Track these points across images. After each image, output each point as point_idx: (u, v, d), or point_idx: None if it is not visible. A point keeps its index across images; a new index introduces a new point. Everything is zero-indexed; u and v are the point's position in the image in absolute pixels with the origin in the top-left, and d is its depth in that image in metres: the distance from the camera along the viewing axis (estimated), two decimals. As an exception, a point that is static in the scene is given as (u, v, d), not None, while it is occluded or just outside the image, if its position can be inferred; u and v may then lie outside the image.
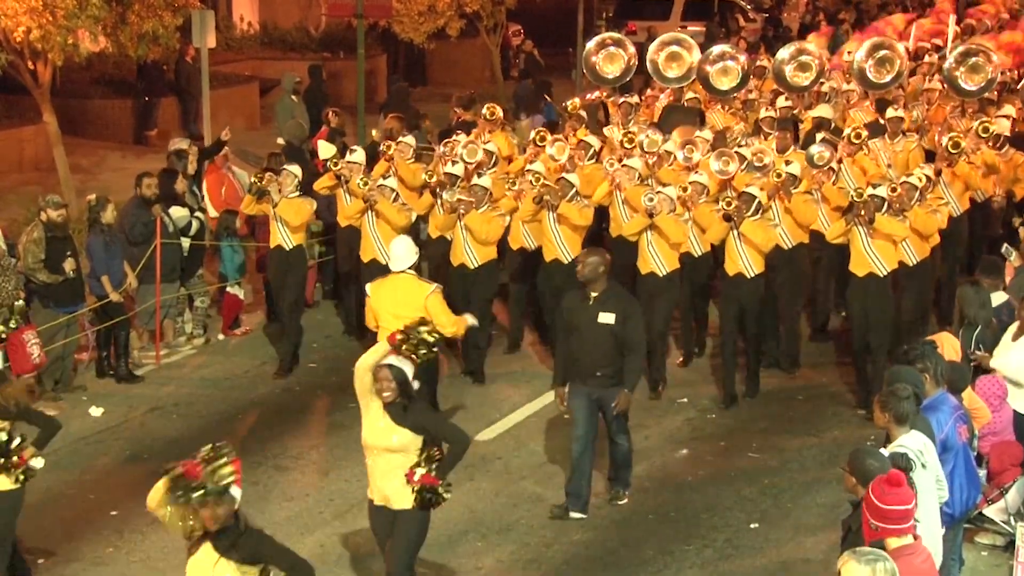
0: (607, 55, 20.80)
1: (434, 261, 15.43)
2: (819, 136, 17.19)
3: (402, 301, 11.83)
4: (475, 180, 14.87)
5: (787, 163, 15.08)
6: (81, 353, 15.15)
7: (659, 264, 14.12)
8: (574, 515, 11.44)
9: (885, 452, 8.29)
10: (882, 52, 20.42)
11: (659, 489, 12.39)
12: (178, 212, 15.71)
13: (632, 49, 20.90)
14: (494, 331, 15.93)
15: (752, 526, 11.61)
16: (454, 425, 9.17)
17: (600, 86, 21.01)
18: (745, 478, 12.56)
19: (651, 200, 13.93)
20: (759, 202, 13.95)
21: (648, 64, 20.75)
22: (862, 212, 13.43)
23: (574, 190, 14.69)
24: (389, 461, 9.02)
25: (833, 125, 18.46)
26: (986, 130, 16.53)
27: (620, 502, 11.77)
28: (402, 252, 12.06)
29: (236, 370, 15.11)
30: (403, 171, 15.97)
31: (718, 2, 38.01)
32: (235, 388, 14.75)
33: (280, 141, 21.58)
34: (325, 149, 16.48)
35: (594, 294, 11.28)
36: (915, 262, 14.15)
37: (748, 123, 18.78)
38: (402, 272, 12.03)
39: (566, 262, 14.34)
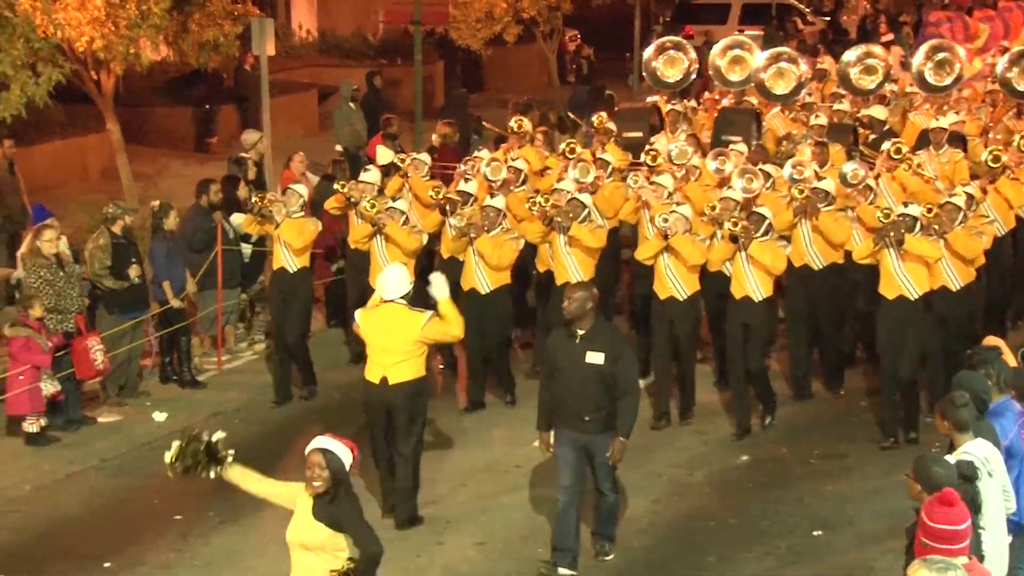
0: (667, 59, 20.59)
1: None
2: (871, 138, 16.95)
3: (393, 332, 11.08)
4: (488, 201, 14.26)
5: (819, 179, 14.51)
6: (145, 359, 15.30)
7: (679, 288, 13.49)
8: (563, 571, 10.54)
9: (951, 459, 8.21)
10: (941, 55, 20.12)
11: (719, 495, 12.36)
12: (239, 219, 15.80)
13: (693, 54, 20.77)
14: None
15: (815, 533, 11.53)
16: (372, 533, 7.78)
17: (659, 91, 20.91)
18: (807, 485, 12.50)
19: (665, 221, 13.33)
20: (769, 223, 13.27)
21: (710, 68, 20.65)
22: (890, 233, 12.78)
23: (586, 211, 14.02)
24: (304, 560, 7.76)
25: (888, 127, 18.22)
26: None
27: (606, 558, 10.85)
28: (395, 281, 11.18)
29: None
30: (418, 188, 15.57)
31: (776, 6, 37.85)
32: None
33: (338, 148, 21.72)
34: (383, 154, 16.53)
35: (580, 332, 10.27)
36: (959, 287, 13.41)
37: (809, 128, 18.45)
38: (392, 301, 11.15)
39: None
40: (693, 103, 20.59)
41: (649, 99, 21.35)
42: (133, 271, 14.35)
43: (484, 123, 20.66)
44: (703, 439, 13.55)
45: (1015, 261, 15.85)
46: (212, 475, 7.98)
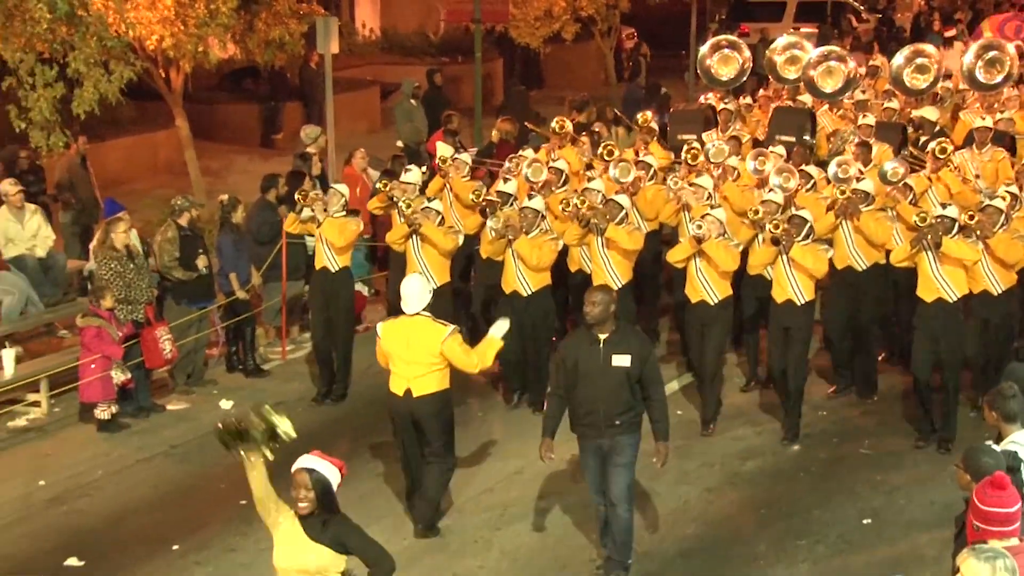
0: (722, 57, 20.43)
1: (486, 286, 14.56)
2: (922, 140, 16.66)
3: (415, 345, 10.67)
4: (526, 202, 13.83)
5: (859, 179, 14.13)
6: (211, 348, 15.44)
7: (710, 292, 12.97)
8: (618, 573, 10.34)
9: (998, 449, 8.18)
10: (992, 53, 19.76)
11: (771, 484, 12.33)
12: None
13: (747, 52, 20.61)
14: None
15: (865, 522, 11.49)
16: (380, 547, 7.38)
17: (713, 88, 20.82)
18: (857, 475, 12.43)
19: (699, 227, 12.83)
20: (810, 226, 12.87)
21: (766, 63, 20.50)
22: (927, 236, 12.39)
23: (623, 212, 13.55)
24: None
25: (938, 127, 17.87)
26: None
27: None
28: (415, 292, 10.74)
29: (359, 365, 14.86)
30: (459, 189, 15.35)
31: (831, 3, 37.61)
32: (358, 383, 14.66)
33: (399, 144, 21.80)
34: (443, 149, 16.55)
35: (603, 336, 9.76)
36: (1000, 291, 12.89)
37: (856, 127, 17.98)
38: (416, 314, 10.74)
39: (615, 288, 12.61)
40: (748, 100, 20.47)
41: (702, 98, 21.14)
42: (201, 262, 14.48)
43: (527, 124, 20.43)
44: (757, 430, 13.51)
45: None
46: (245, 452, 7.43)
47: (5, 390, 13.98)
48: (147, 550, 11.09)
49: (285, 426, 7.38)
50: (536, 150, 17.17)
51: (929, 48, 20.61)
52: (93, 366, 13.55)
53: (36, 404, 14.19)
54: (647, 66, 30.89)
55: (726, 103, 19.08)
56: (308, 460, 7.25)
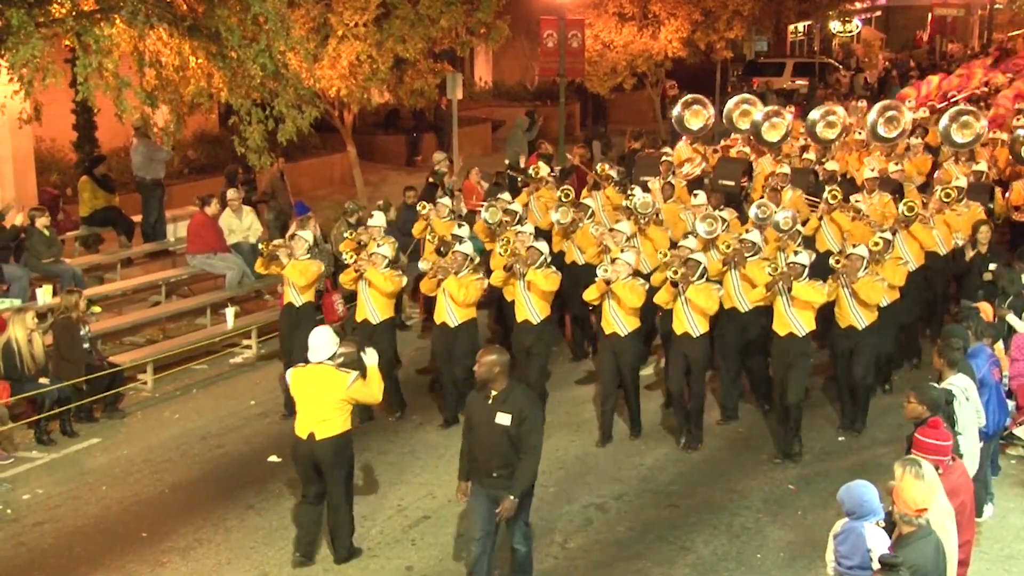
0: (692, 112, 19.14)
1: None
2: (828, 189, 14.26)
3: (321, 391, 8.57)
4: (457, 247, 11.61)
5: (747, 231, 12.00)
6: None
7: (620, 325, 11.02)
8: None
9: (939, 387, 8.11)
10: (891, 112, 18.37)
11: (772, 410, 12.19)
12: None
13: (711, 109, 19.35)
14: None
15: (840, 439, 11.43)
16: None
17: (685, 135, 19.42)
18: (833, 407, 12.22)
19: (605, 271, 10.93)
20: (704, 267, 10.88)
21: (724, 117, 19.26)
22: (779, 283, 10.65)
23: (542, 257, 11.40)
24: None
25: (848, 175, 16.59)
26: (948, 195, 13.47)
27: None
28: (321, 343, 8.65)
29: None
30: (439, 229, 13.56)
31: (818, 64, 37.01)
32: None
33: (506, 162, 21.82)
34: (542, 168, 16.51)
35: (493, 393, 7.80)
36: (864, 326, 11.13)
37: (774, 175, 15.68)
38: (321, 363, 8.64)
39: (535, 323, 11.40)
40: (725, 142, 19.06)
41: (680, 143, 19.19)
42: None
43: (509, 169, 18.44)
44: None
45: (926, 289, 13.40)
46: None
47: (227, 336, 14.26)
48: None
49: None
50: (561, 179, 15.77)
51: (839, 109, 19.08)
52: (289, 320, 13.70)
53: (248, 347, 14.43)
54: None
55: (667, 156, 16.68)
56: None
